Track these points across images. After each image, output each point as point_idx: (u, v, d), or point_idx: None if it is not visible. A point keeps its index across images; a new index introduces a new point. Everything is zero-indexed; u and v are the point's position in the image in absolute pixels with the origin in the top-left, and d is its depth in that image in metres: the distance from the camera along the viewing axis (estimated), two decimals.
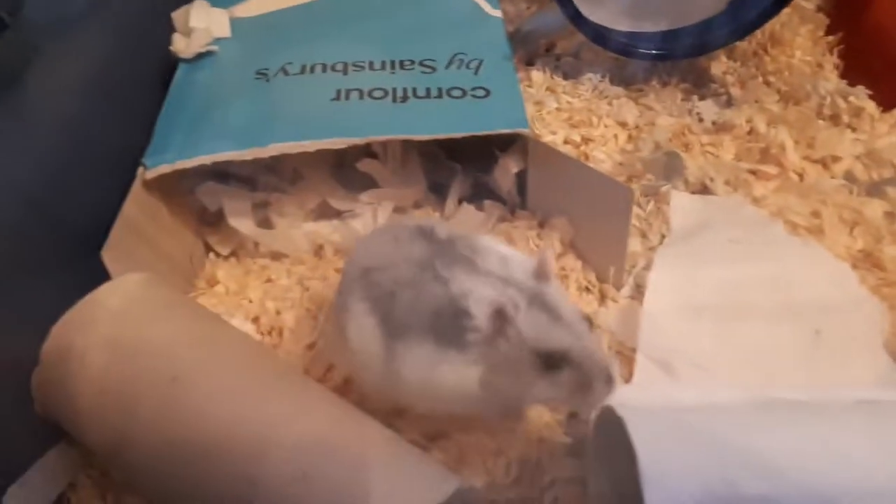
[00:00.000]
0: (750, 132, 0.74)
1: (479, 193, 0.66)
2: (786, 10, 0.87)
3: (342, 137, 0.57)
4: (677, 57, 0.78)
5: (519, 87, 0.62)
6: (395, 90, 0.61)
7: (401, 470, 0.41)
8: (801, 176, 0.70)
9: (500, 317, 0.41)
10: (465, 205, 0.65)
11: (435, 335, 0.42)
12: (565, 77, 0.81)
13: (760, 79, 0.80)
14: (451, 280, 0.42)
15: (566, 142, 0.73)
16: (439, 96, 0.60)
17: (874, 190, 0.69)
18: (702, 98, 0.80)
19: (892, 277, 0.61)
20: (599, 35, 0.76)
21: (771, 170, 0.70)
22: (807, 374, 0.55)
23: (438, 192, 0.67)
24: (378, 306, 0.44)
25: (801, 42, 0.85)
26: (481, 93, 0.61)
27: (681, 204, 0.66)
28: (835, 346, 0.57)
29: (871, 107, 0.75)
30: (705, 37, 0.75)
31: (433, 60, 0.65)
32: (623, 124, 0.76)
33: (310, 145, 0.56)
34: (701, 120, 0.77)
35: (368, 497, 0.38)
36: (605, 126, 0.76)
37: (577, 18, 0.75)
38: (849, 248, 0.64)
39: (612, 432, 0.41)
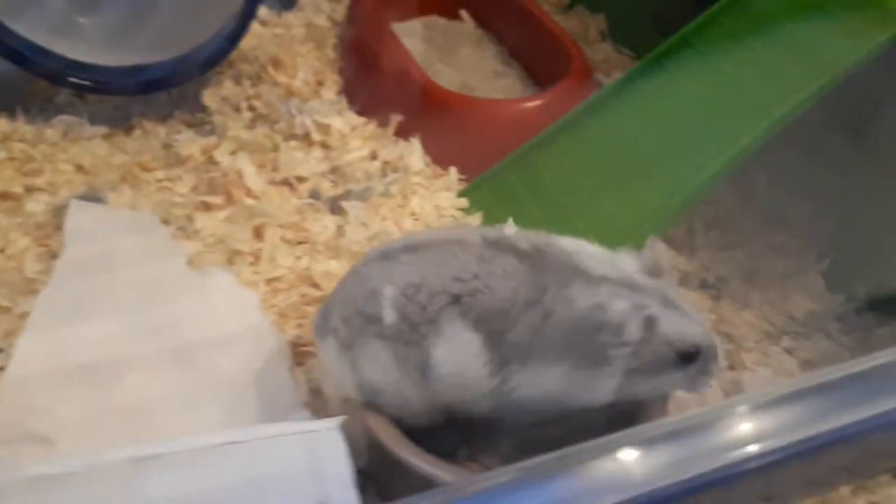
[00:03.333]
0: (209, 161, 0.71)
1: None
2: (293, 31, 0.87)
3: None
4: (112, 92, 0.74)
5: None
6: None
7: None
8: (260, 200, 0.68)
9: (650, 325, 0.41)
10: None
11: (572, 355, 0.41)
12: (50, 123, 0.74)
13: (244, 103, 0.78)
14: (577, 296, 0.41)
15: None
16: None
17: (334, 205, 0.69)
18: (189, 128, 0.76)
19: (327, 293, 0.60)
20: (21, 57, 0.70)
21: (219, 200, 0.67)
22: (198, 417, 0.52)
23: None
24: (482, 324, 0.42)
25: (303, 62, 0.83)
26: None
27: (79, 225, 0.60)
28: (236, 384, 0.54)
29: (339, 123, 0.74)
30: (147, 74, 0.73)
31: None
32: (80, 167, 0.70)
33: None
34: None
35: None
36: (59, 171, 0.69)
37: None
38: (292, 267, 0.63)
39: None
